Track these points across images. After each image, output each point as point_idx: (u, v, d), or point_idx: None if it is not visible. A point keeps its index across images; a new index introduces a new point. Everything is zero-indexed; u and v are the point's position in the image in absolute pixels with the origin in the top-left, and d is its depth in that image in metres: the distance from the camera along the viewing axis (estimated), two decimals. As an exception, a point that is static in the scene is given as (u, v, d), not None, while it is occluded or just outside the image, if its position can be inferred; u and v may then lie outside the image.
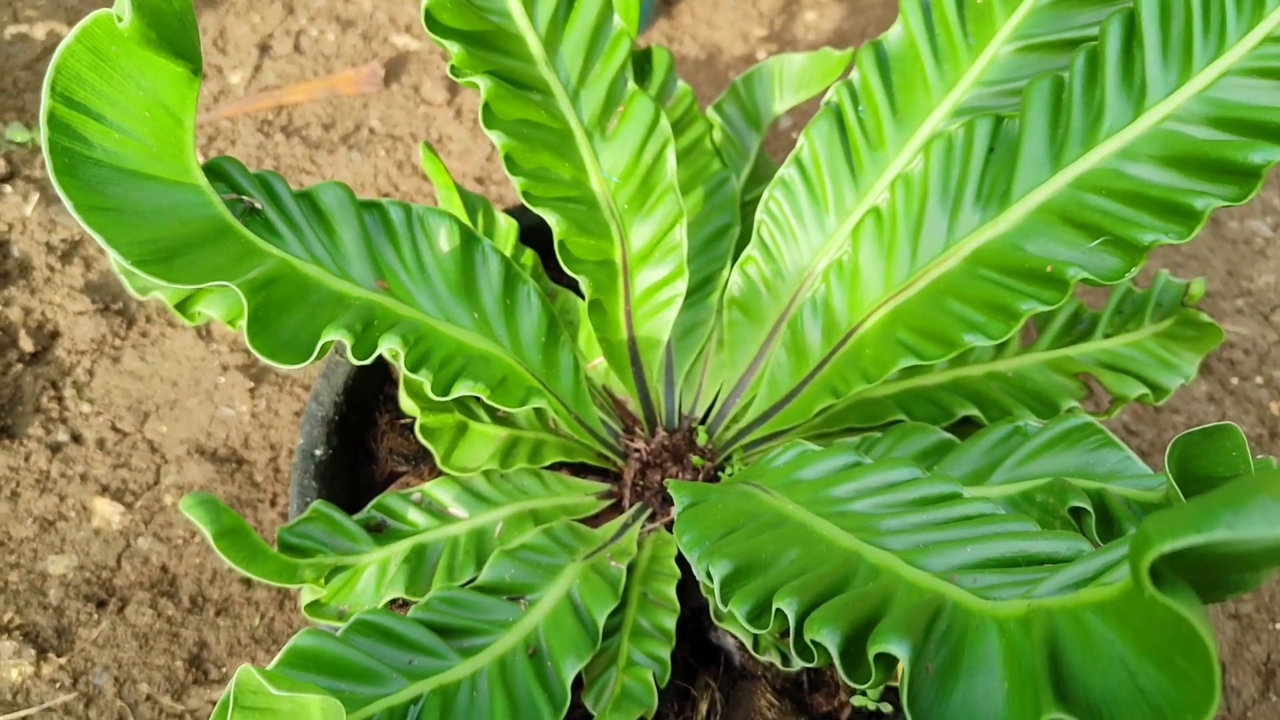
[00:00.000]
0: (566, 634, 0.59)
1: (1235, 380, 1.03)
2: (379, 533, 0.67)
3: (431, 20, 0.58)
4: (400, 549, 0.66)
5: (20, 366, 0.96)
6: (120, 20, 0.46)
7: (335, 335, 0.53)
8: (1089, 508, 0.54)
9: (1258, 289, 1.10)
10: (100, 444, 0.93)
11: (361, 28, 1.33)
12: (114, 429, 0.94)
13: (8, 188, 1.08)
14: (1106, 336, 0.73)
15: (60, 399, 0.95)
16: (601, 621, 0.60)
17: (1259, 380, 1.03)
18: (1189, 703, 0.32)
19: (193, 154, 0.53)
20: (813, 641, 0.40)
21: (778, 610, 0.43)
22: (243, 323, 0.52)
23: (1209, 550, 0.29)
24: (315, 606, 0.64)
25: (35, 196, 1.08)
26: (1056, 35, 0.66)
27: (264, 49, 1.29)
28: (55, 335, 0.99)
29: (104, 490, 0.90)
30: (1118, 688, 0.34)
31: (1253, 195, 0.51)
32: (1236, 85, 0.53)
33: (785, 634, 0.64)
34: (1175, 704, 0.32)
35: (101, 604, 0.84)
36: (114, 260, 0.53)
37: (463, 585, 0.62)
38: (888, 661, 0.39)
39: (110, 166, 0.50)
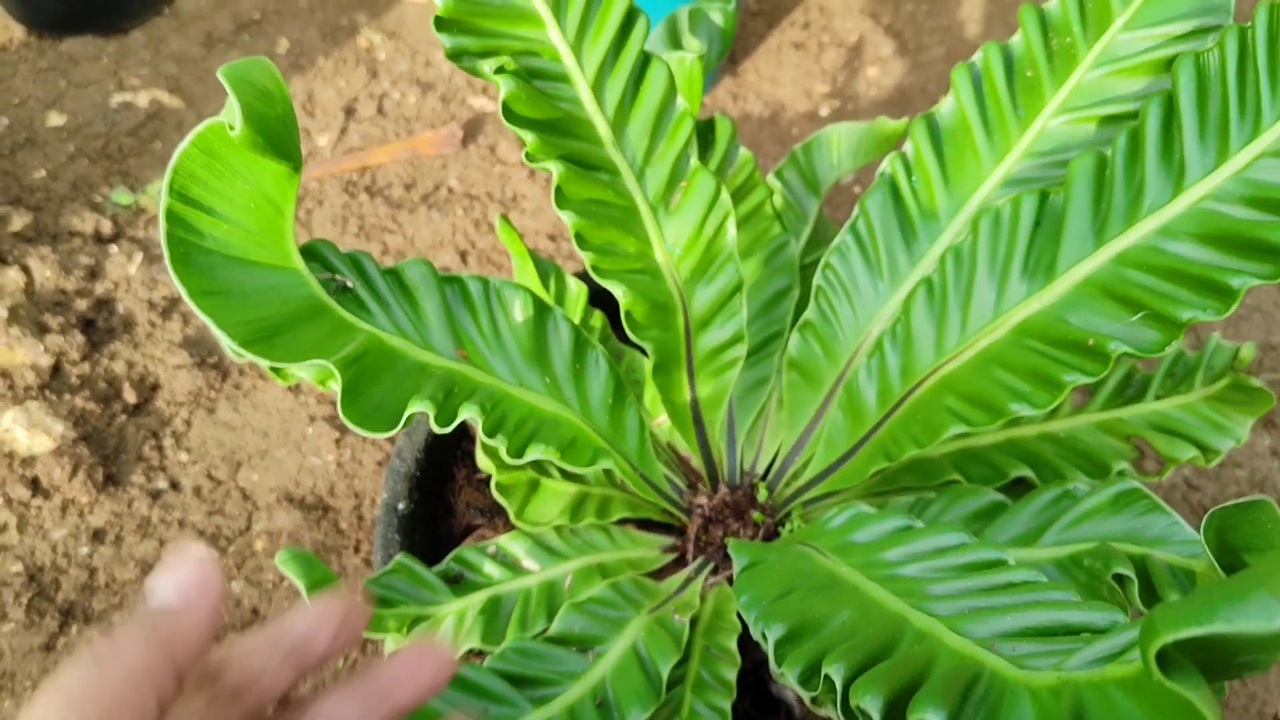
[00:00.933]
0: (632, 685, 0.62)
1: (1299, 434, 1.03)
2: (457, 584, 0.71)
3: (509, 112, 0.62)
4: (477, 600, 0.70)
5: (124, 418, 1.03)
6: (232, 129, 0.51)
7: (419, 407, 0.57)
8: (1132, 575, 0.56)
9: (1323, 341, 1.10)
10: (196, 491, 0.99)
11: (440, 90, 1.39)
12: (209, 477, 1.00)
13: (114, 248, 1.16)
14: (1158, 399, 0.75)
15: (160, 448, 1.02)
16: (666, 673, 0.63)
17: (1324, 434, 1.03)
18: (1196, 770, 0.34)
19: (292, 240, 0.58)
20: (857, 708, 0.43)
21: (826, 675, 0.46)
22: (335, 388, 0.56)
23: (1209, 640, 0.32)
24: None
25: (139, 256, 1.15)
26: (1104, 109, 0.68)
27: (349, 112, 1.36)
28: (155, 388, 1.06)
29: (200, 535, 0.96)
30: (1137, 755, 0.37)
31: (1286, 274, 0.53)
32: (1272, 166, 0.55)
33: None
34: (1185, 771, 0.35)
35: (197, 644, 0.90)
36: (220, 340, 0.58)
37: (534, 636, 0.66)
38: (927, 726, 0.42)
39: (219, 254, 0.55)
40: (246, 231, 0.56)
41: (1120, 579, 0.57)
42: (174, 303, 1.13)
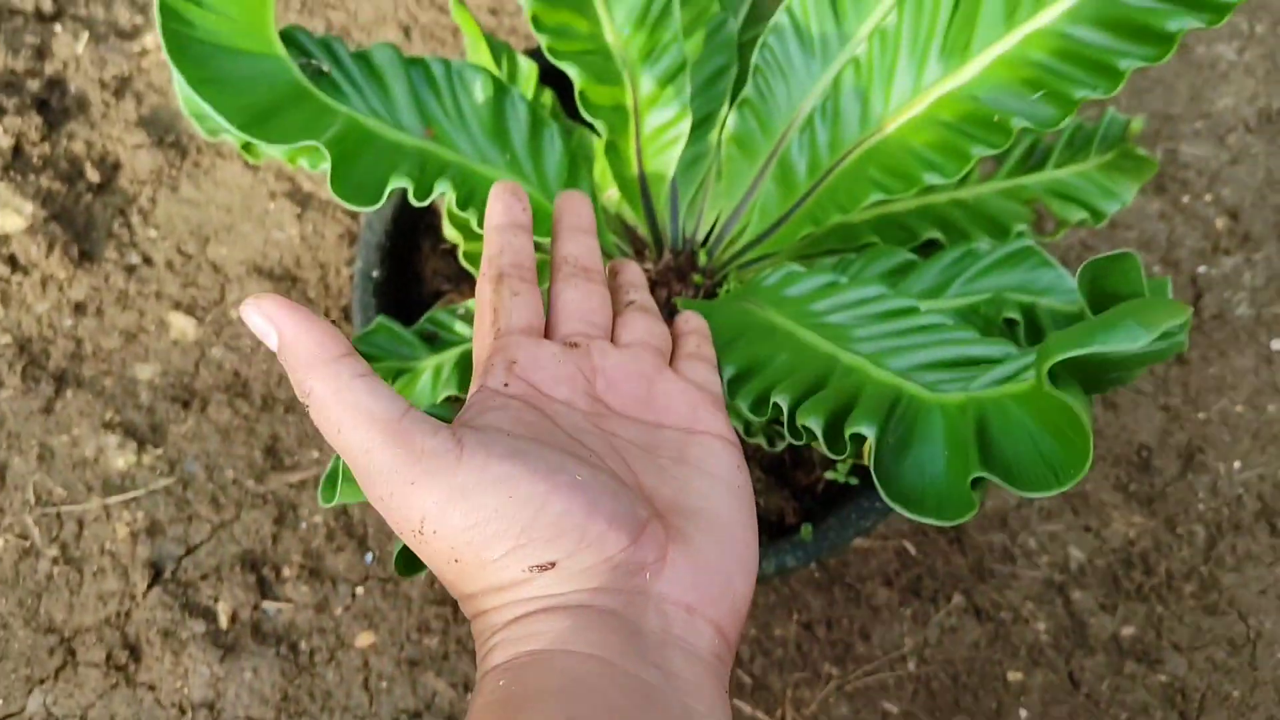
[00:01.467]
0: None
1: (1186, 198, 1.13)
2: (432, 342, 0.79)
3: (468, -100, 0.66)
4: (450, 356, 0.78)
5: (90, 196, 1.07)
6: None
7: (399, 183, 0.64)
8: (1019, 318, 0.66)
9: (1216, 112, 1.19)
10: (169, 265, 1.05)
11: None
12: (179, 252, 1.06)
13: (58, 27, 1.16)
14: (1057, 167, 0.84)
15: (129, 225, 1.06)
16: None
17: (1208, 199, 1.13)
18: (1073, 460, 0.45)
19: (274, 29, 0.62)
20: (803, 426, 0.53)
21: (773, 403, 0.56)
22: (316, 161, 0.62)
23: (1091, 358, 0.42)
24: None
25: (84, 35, 1.16)
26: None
27: (280, -120, 1.33)
28: (117, 167, 1.09)
29: (177, 306, 1.03)
30: (1026, 453, 0.47)
31: (1166, 58, 0.61)
32: (1166, -43, 0.62)
33: (775, 422, 0.77)
34: (1064, 462, 0.45)
35: (186, 404, 0.98)
36: (187, 105, 0.64)
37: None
38: (859, 439, 0.51)
39: (210, 44, 0.60)
40: (233, 21, 0.61)
41: (1010, 323, 0.67)
42: (125, 82, 1.15)
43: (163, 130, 1.12)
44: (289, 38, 0.66)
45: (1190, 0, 0.60)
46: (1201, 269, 1.09)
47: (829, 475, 0.80)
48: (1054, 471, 0.46)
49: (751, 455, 0.82)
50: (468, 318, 0.81)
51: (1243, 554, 0.96)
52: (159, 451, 0.95)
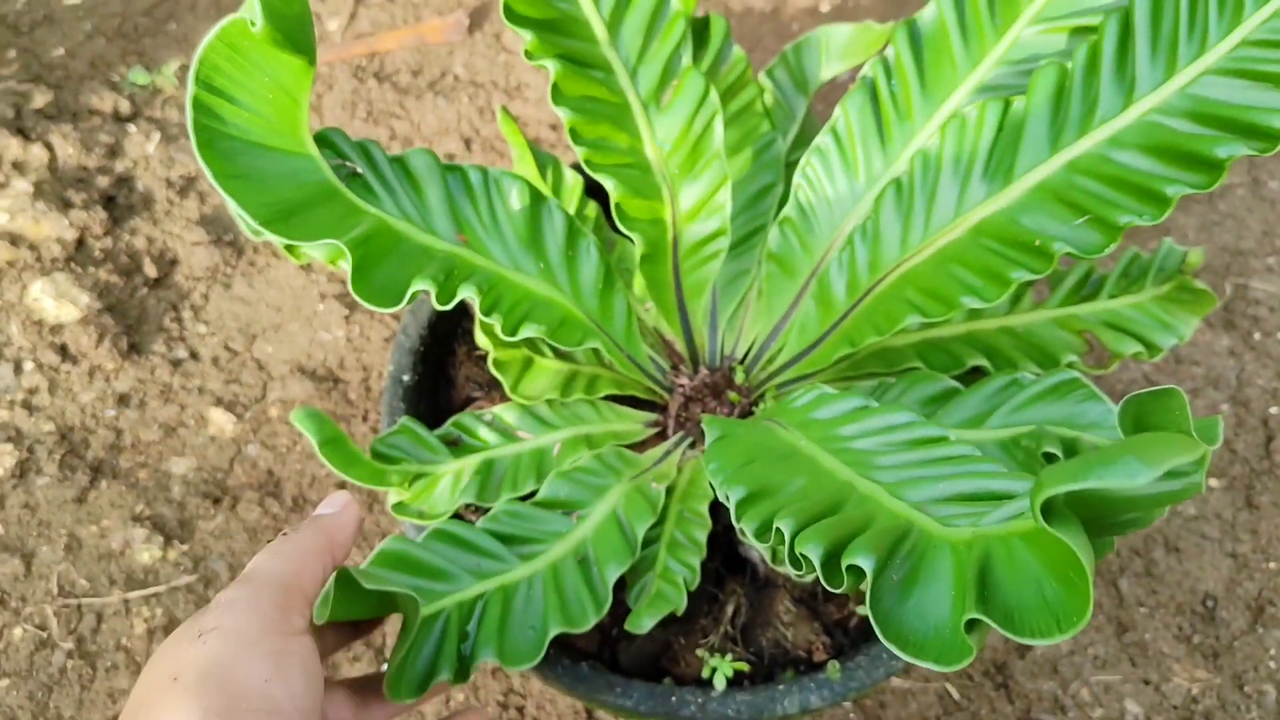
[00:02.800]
0: (611, 545, 0.69)
1: (1258, 335, 1.09)
2: (455, 447, 0.78)
3: (510, 11, 0.66)
4: (472, 462, 0.77)
5: (145, 290, 1.09)
6: (253, 25, 0.55)
7: (421, 285, 0.63)
8: (1059, 453, 0.62)
9: (1291, 248, 1.15)
10: (215, 361, 1.06)
11: (449, -24, 1.42)
12: (226, 348, 1.07)
13: (132, 127, 1.20)
14: (1112, 297, 0.80)
15: (179, 320, 1.08)
16: (641, 534, 0.70)
17: (1281, 336, 1.09)
18: (1074, 608, 0.41)
19: (307, 128, 0.63)
20: (801, 554, 0.50)
21: (776, 528, 0.53)
22: (345, 268, 0.62)
23: (1093, 495, 0.39)
24: (400, 506, 0.75)
25: (156, 135, 1.20)
26: (1075, 21, 0.72)
27: (359, -3, 1.38)
28: (174, 263, 1.12)
29: (218, 402, 1.03)
30: (1030, 597, 0.43)
31: (1217, 184, 0.58)
32: (1214, 83, 0.60)
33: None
34: (1066, 609, 0.41)
35: (217, 501, 0.97)
36: (240, 219, 0.64)
37: (523, 498, 0.73)
38: (856, 572, 0.48)
39: (240, 140, 0.60)
40: (265, 120, 0.61)
41: (1049, 456, 0.63)
42: (191, 181, 1.18)
43: (222, 230, 1.15)
44: (324, 139, 0.66)
45: (1240, 127, 0.58)
46: (1274, 410, 1.04)
47: (862, 611, 0.76)
48: (1056, 618, 0.42)
49: (781, 584, 0.78)
50: (494, 424, 0.80)
51: (1318, 720, 0.89)
52: (185, 547, 0.94)
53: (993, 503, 0.53)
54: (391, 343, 1.07)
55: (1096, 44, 0.63)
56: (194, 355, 1.06)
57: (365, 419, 1.03)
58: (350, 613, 0.55)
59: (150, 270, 1.10)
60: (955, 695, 0.91)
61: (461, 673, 0.61)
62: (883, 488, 0.56)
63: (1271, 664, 0.91)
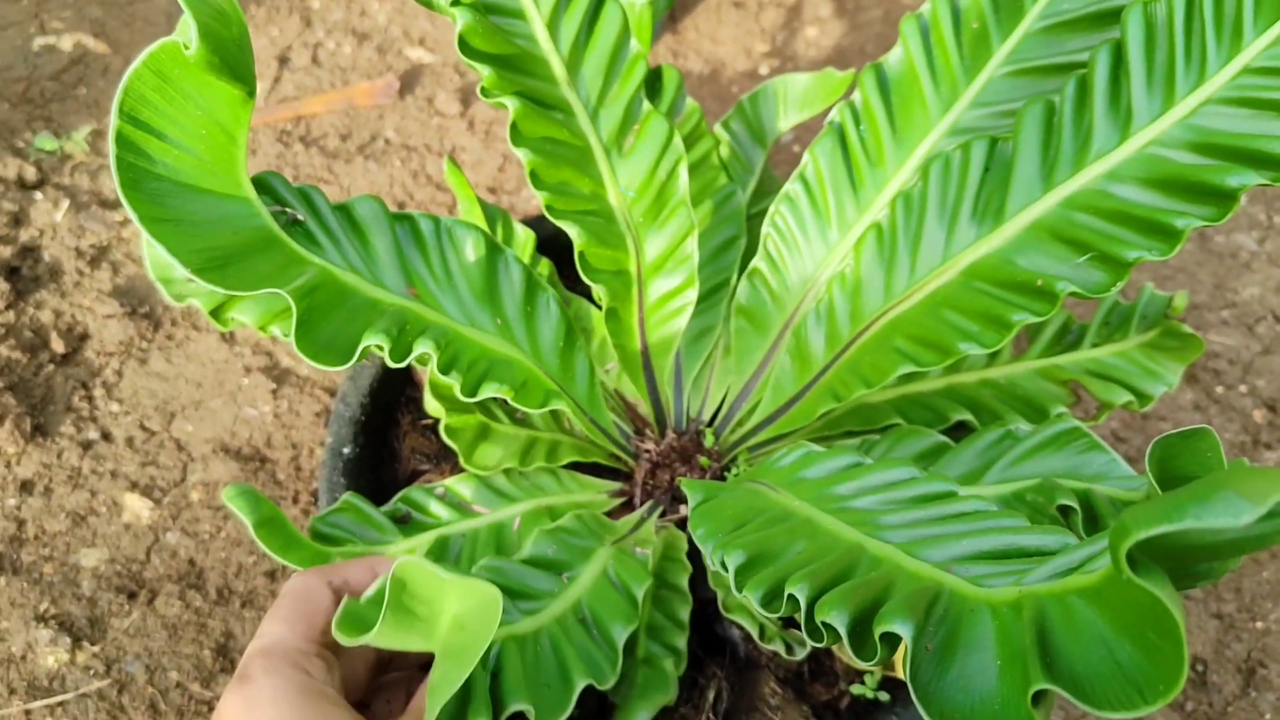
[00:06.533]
0: (610, 604, 0.62)
1: (1220, 389, 1.07)
2: (404, 524, 0.71)
3: (465, 45, 0.61)
4: (424, 540, 0.70)
5: (52, 367, 1.00)
6: (187, 48, 0.49)
7: (374, 339, 0.57)
8: (1076, 506, 0.58)
9: (1242, 301, 1.14)
10: (129, 442, 0.97)
11: (377, 41, 1.37)
12: (142, 428, 0.98)
13: (38, 195, 1.12)
14: (1094, 346, 0.77)
15: (90, 398, 0.99)
16: (640, 595, 0.63)
17: (1243, 389, 1.07)
18: (1161, 675, 0.35)
19: (244, 169, 0.57)
20: (823, 623, 0.44)
21: (789, 595, 0.47)
22: (289, 327, 0.55)
23: (1179, 539, 0.33)
24: None
25: (65, 203, 1.12)
26: (1049, 60, 0.70)
27: (283, 61, 1.33)
28: (85, 337, 1.03)
29: (133, 486, 0.94)
30: (1098, 663, 0.38)
31: (1229, 216, 0.55)
32: (1216, 113, 0.57)
33: (789, 622, 0.68)
34: (1149, 676, 0.36)
35: (132, 595, 0.88)
36: (162, 283, 0.57)
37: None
38: (891, 641, 0.42)
39: (170, 180, 0.54)
40: (198, 159, 0.55)
41: (1065, 511, 0.58)
42: (103, 251, 1.10)
43: (137, 301, 1.06)
44: (263, 183, 0.60)
45: (1248, 156, 0.55)
46: (1234, 458, 1.01)
47: (855, 690, 0.70)
48: (1137, 687, 0.36)
49: (764, 664, 0.72)
50: (447, 499, 0.73)
51: (1317, 787, 0.85)
52: (96, 649, 0.85)
53: (1024, 560, 0.48)
54: (324, 417, 0.99)
55: (1087, 76, 0.61)
56: (106, 436, 0.97)
57: (296, 500, 0.95)
58: None
59: (58, 345, 1.01)
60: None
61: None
62: (896, 548, 0.51)
63: (1266, 729, 0.87)
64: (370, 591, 0.47)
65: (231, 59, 0.52)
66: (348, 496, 0.69)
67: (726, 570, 0.51)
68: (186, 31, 0.50)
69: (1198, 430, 0.54)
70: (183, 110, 0.53)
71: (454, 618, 0.46)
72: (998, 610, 0.43)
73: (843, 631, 0.43)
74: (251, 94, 0.55)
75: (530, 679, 0.56)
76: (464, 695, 0.52)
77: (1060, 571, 0.42)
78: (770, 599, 0.49)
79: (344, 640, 0.44)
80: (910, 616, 0.42)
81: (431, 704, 0.44)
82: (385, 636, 0.44)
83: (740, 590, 0.50)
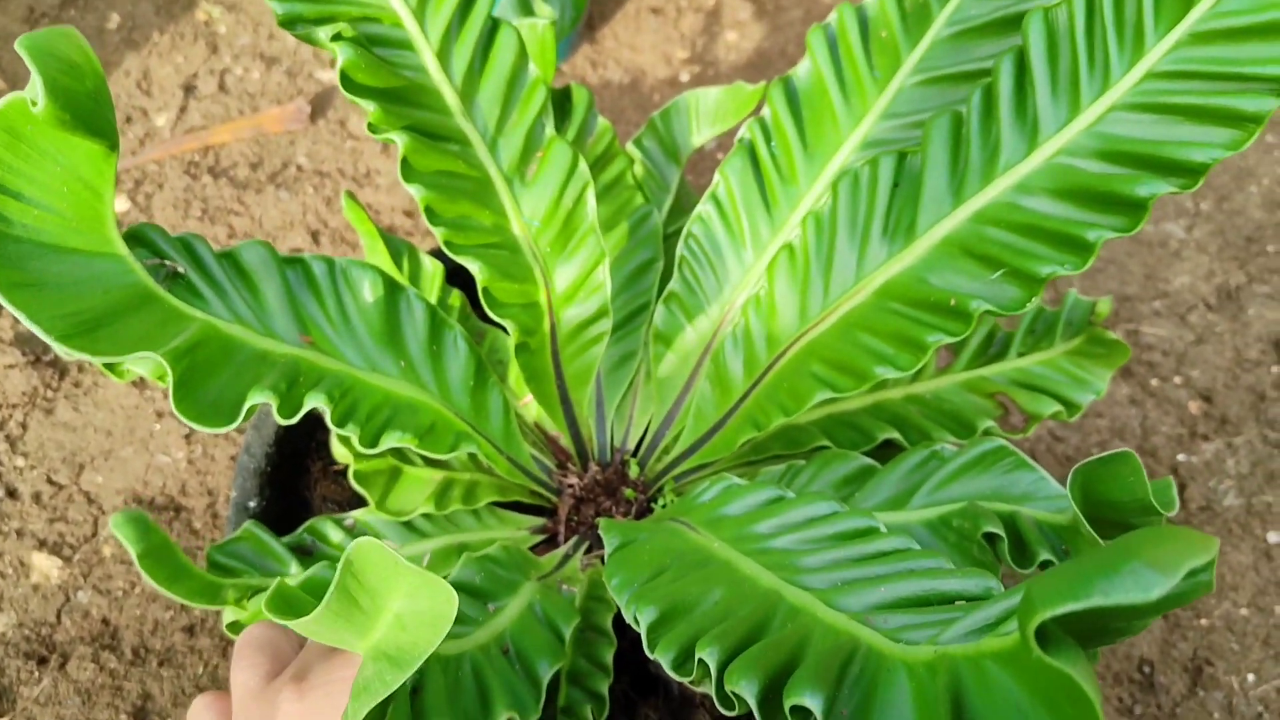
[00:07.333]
0: (536, 639, 0.58)
1: (1155, 381, 1.06)
2: (308, 555, 0.68)
3: (347, 80, 0.58)
4: (329, 581, 0.67)
5: (-50, 423, 0.96)
6: (34, 105, 0.46)
7: (260, 398, 0.54)
8: (1002, 533, 0.56)
9: (1174, 290, 1.14)
10: (36, 498, 0.93)
11: (286, 64, 1.33)
12: (50, 481, 0.94)
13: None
14: (1020, 355, 0.75)
15: (-8, 454, 0.95)
16: (568, 634, 0.59)
17: (1178, 380, 1.06)
18: (1075, 747, 0.33)
19: (113, 224, 0.53)
20: (733, 693, 0.42)
21: (700, 660, 0.44)
22: (169, 387, 0.52)
23: (1087, 613, 0.31)
24: (235, 627, 0.65)
25: (-41, 249, 1.07)
26: (959, 68, 0.68)
27: (189, 89, 1.28)
28: (-15, 390, 0.99)
29: (42, 545, 0.90)
30: (1016, 733, 0.36)
31: (1140, 226, 0.53)
32: (1123, 119, 0.55)
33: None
34: (1065, 748, 0.34)
35: (43, 661, 0.84)
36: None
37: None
38: (802, 713, 0.40)
39: (30, 242, 0.50)
40: (61, 217, 0.51)
41: (990, 537, 0.57)
42: None
43: (40, 349, 1.02)
44: (139, 236, 0.57)
45: (1158, 164, 0.53)
46: (1181, 457, 1.01)
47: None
48: (1054, 760, 0.34)
49: (700, 703, 0.70)
50: (355, 531, 0.70)
51: (1266, 783, 0.84)
52: (4, 720, 0.81)
53: (944, 608, 0.46)
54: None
55: (991, 86, 0.59)
56: (11, 493, 0.93)
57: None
58: None
59: (-45, 400, 0.97)
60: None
61: None
62: (814, 595, 0.49)
63: (1212, 728, 0.86)
64: (305, 576, 0.43)
65: (86, 114, 0.49)
66: (249, 524, 0.67)
67: (639, 626, 0.49)
68: (35, 86, 0.47)
69: (1119, 455, 0.52)
70: (40, 168, 0.50)
71: (396, 615, 0.42)
72: (914, 671, 0.41)
73: (752, 703, 0.40)
74: (113, 148, 0.51)
75: (452, 703, 0.53)
76: (384, 704, 0.49)
77: (977, 628, 0.40)
78: (682, 661, 0.46)
79: (274, 618, 0.40)
80: (821, 687, 0.39)
81: (356, 706, 0.40)
82: (323, 624, 0.40)
83: (652, 652, 0.48)
